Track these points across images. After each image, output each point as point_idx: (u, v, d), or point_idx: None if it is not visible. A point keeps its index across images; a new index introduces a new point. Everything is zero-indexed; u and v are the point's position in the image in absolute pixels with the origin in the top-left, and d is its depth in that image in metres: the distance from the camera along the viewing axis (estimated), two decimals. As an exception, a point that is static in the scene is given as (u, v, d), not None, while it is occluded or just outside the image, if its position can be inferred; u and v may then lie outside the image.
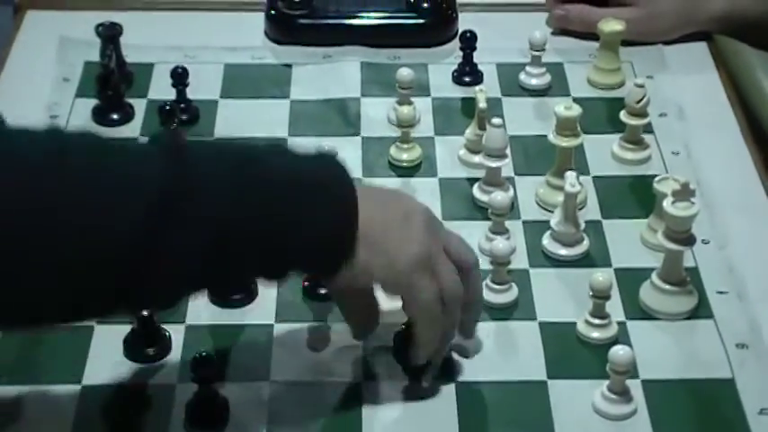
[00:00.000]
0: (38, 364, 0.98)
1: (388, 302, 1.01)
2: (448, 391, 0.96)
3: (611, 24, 1.28)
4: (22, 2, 1.41)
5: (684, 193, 1.00)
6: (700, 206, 1.01)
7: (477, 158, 1.15)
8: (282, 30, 1.35)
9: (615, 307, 1.02)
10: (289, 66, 1.31)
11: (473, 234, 1.09)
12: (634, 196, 1.15)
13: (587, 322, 1.00)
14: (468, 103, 1.24)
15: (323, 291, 1.03)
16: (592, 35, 1.31)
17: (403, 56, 1.32)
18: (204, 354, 0.92)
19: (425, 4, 1.35)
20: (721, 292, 1.04)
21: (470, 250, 0.95)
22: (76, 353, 0.98)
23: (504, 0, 1.41)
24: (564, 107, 1.11)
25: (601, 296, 0.99)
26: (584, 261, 1.08)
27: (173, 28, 1.36)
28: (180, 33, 1.35)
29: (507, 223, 1.09)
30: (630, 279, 1.05)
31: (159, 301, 0.85)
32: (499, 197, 1.07)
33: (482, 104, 1.15)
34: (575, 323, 1.01)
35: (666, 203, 1.00)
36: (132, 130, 1.22)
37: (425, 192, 1.15)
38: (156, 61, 1.30)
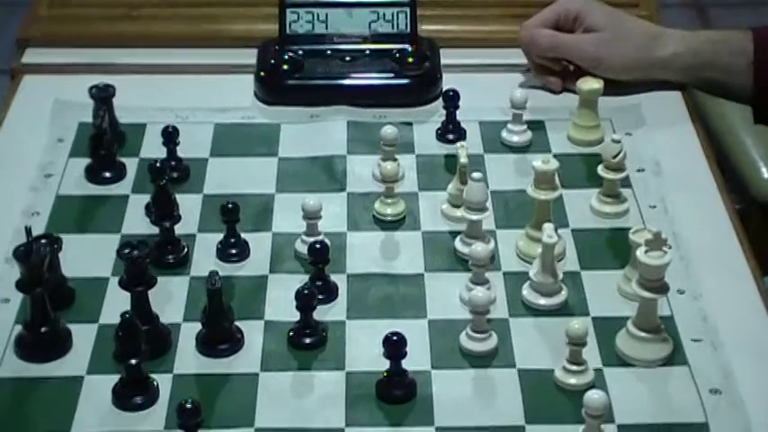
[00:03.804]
0: (28, 413, 1.01)
1: (369, 351, 1.04)
2: (428, 436, 0.99)
3: (590, 83, 1.32)
4: (17, 66, 1.45)
5: (657, 243, 1.03)
6: (673, 256, 1.05)
7: (458, 212, 1.19)
8: (272, 91, 1.39)
9: (592, 354, 1.05)
10: (277, 125, 1.35)
11: (455, 285, 1.12)
12: (612, 248, 1.18)
13: (565, 369, 1.03)
14: (452, 160, 1.27)
15: (307, 340, 1.06)
16: (571, 91, 1.35)
17: (389, 115, 1.36)
18: (190, 401, 0.95)
19: (411, 66, 1.39)
20: (696, 340, 1.07)
21: None
22: (66, 402, 1.01)
23: (486, 61, 1.45)
24: (542, 161, 1.15)
25: (577, 343, 1.02)
26: (563, 310, 1.11)
27: (165, 90, 1.40)
28: (172, 95, 1.39)
29: (488, 274, 1.12)
30: (607, 327, 1.08)
31: None
32: (479, 249, 1.10)
33: (463, 159, 1.19)
34: (553, 370, 1.04)
35: (640, 253, 1.03)
36: (124, 188, 1.26)
37: (409, 245, 1.19)
38: (148, 122, 1.34)
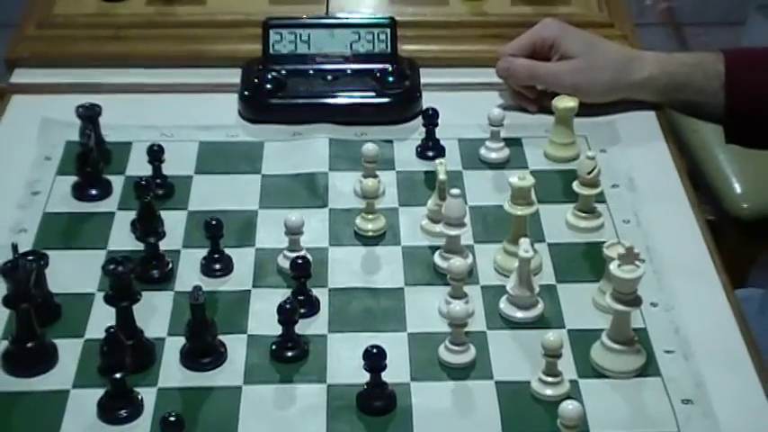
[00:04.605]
0: (15, 427, 1.00)
1: (350, 363, 1.05)
2: (408, 447, 0.99)
3: (565, 101, 1.32)
4: (6, 86, 1.45)
5: (630, 257, 1.04)
6: (645, 270, 1.05)
7: (438, 227, 1.19)
8: (255, 109, 1.40)
9: (568, 366, 1.05)
10: (260, 143, 1.35)
11: (434, 298, 1.13)
12: (587, 262, 1.19)
13: (541, 380, 1.03)
14: (431, 176, 1.28)
15: (289, 353, 1.06)
16: (548, 111, 1.36)
17: (370, 133, 1.36)
18: (174, 414, 0.95)
19: (391, 85, 1.40)
20: (668, 352, 1.08)
21: None
22: (52, 415, 1.01)
23: (464, 80, 1.46)
24: (518, 177, 1.15)
25: (553, 355, 1.02)
26: (539, 323, 1.11)
27: (150, 109, 1.41)
28: (157, 114, 1.39)
29: (467, 288, 1.12)
30: (582, 339, 1.09)
31: None
32: (457, 263, 1.10)
33: (442, 176, 1.20)
34: (529, 382, 1.04)
35: (613, 267, 1.04)
36: (110, 205, 1.26)
37: (390, 259, 1.19)
38: (134, 140, 1.34)
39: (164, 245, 1.16)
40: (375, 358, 1.00)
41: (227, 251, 1.17)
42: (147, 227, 1.16)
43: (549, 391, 1.03)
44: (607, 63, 1.37)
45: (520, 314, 1.11)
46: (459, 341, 1.06)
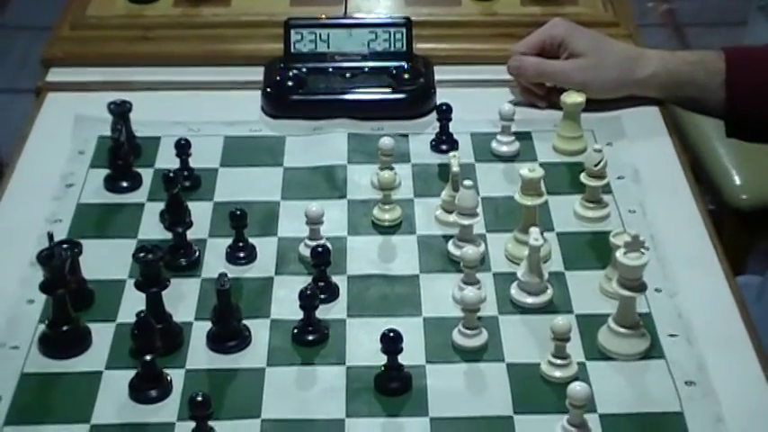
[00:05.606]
0: (51, 406, 1.01)
1: (368, 347, 1.04)
2: (423, 426, 0.98)
3: (573, 96, 1.32)
4: (42, 85, 1.45)
5: (635, 245, 1.03)
6: (650, 257, 1.05)
7: (451, 217, 1.19)
8: (277, 105, 1.39)
9: (576, 349, 1.05)
10: (282, 137, 1.35)
11: (447, 285, 1.12)
12: (594, 250, 1.18)
13: (550, 363, 1.03)
14: (445, 169, 1.27)
15: (310, 337, 1.06)
16: (557, 107, 1.35)
17: (386, 127, 1.36)
18: (201, 394, 0.95)
19: (407, 82, 1.39)
20: (672, 335, 1.07)
21: None
22: (86, 395, 1.01)
23: (476, 77, 1.45)
24: (528, 169, 1.15)
25: (561, 338, 1.01)
26: (548, 308, 1.11)
27: (178, 105, 1.40)
28: (184, 110, 1.39)
29: (479, 275, 1.12)
30: (590, 324, 1.08)
31: None
32: (470, 251, 1.10)
33: (455, 168, 1.19)
34: (539, 364, 1.03)
35: (619, 254, 1.03)
36: (140, 196, 1.25)
37: (405, 248, 1.18)
38: (163, 135, 1.34)
39: (191, 234, 1.16)
40: (392, 341, 1.00)
41: (251, 240, 1.17)
42: (175, 217, 1.16)
43: (557, 373, 1.02)
44: (613, 61, 1.36)
45: (530, 300, 1.11)
46: (471, 325, 1.06)
